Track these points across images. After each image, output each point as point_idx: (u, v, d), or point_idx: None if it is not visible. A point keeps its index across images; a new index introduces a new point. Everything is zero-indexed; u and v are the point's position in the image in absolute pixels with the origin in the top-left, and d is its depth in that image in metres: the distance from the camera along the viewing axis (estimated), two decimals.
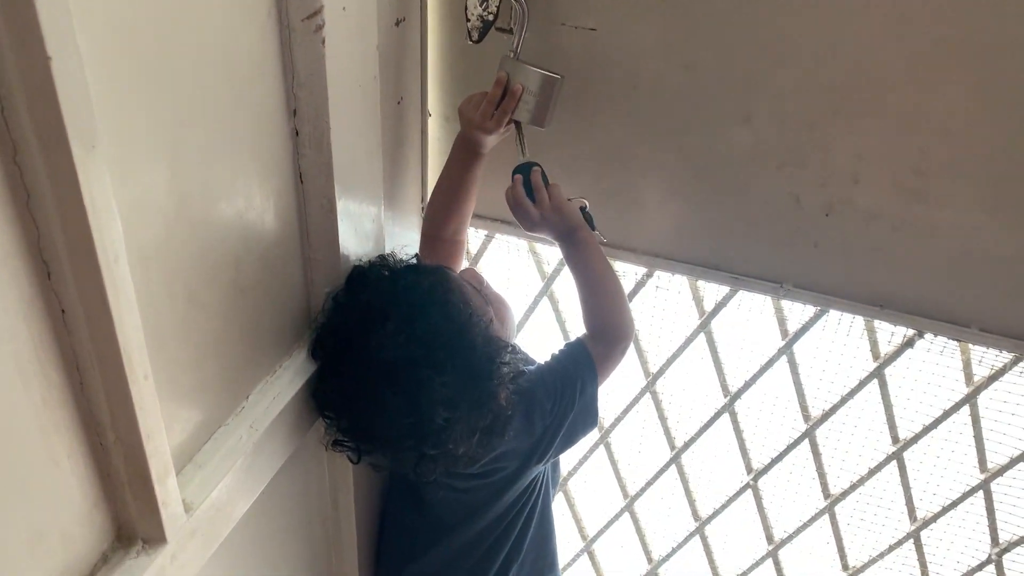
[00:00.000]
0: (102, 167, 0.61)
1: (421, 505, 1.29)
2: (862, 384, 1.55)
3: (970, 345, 1.42)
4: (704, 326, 1.56)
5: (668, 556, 2.02)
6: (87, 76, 0.57)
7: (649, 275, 1.51)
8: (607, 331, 1.26)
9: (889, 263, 1.30)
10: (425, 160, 1.46)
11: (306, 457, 1.16)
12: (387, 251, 1.14)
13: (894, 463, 1.66)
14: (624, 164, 1.37)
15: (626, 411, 1.76)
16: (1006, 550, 1.71)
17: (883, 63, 1.15)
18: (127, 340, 0.68)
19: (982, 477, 1.61)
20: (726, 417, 1.69)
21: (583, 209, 1.29)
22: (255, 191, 0.91)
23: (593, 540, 2.04)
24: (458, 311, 1.03)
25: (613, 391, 1.72)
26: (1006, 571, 1.75)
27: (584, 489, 1.99)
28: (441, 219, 1.35)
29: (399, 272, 1.08)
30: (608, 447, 1.84)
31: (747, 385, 1.63)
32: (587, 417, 1.24)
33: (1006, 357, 1.40)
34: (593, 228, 1.29)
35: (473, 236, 1.58)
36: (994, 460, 1.59)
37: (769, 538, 1.91)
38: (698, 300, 1.54)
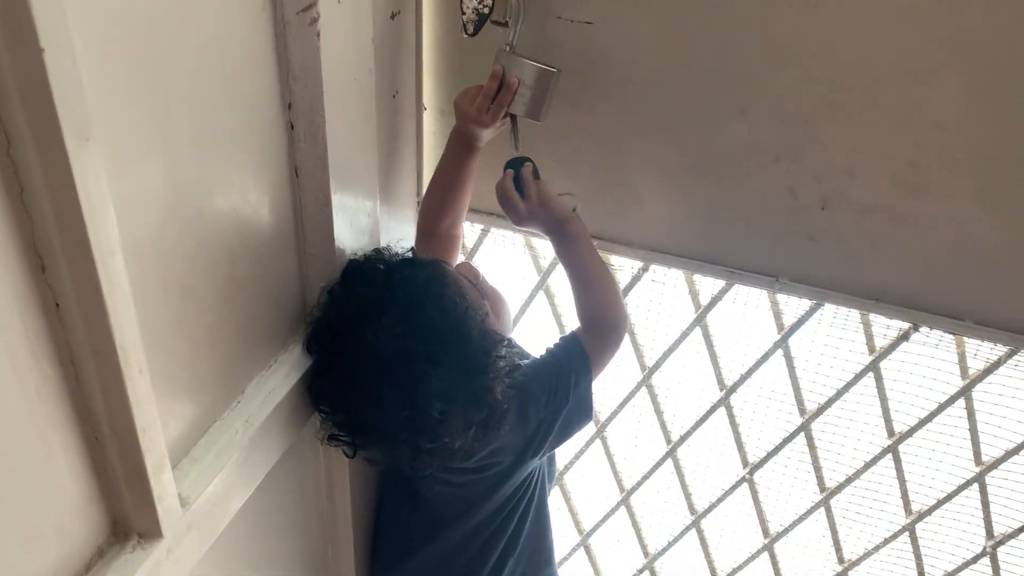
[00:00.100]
0: (96, 160, 0.61)
1: (417, 500, 1.29)
2: (858, 377, 1.55)
3: (965, 338, 1.42)
4: (700, 320, 1.56)
5: (664, 550, 2.02)
6: (81, 69, 0.57)
7: (645, 269, 1.50)
8: (600, 324, 1.26)
9: (884, 256, 1.30)
10: (421, 154, 1.46)
11: (302, 452, 1.16)
12: (382, 245, 1.14)
13: (889, 456, 1.66)
14: (620, 158, 1.36)
15: (622, 405, 1.76)
16: (1001, 543, 1.72)
17: (878, 57, 1.15)
18: (122, 334, 0.68)
19: (977, 470, 1.62)
20: (722, 411, 1.69)
21: (572, 210, 1.30)
22: (250, 185, 0.91)
23: (589, 534, 2.05)
24: (454, 305, 1.02)
25: (609, 385, 1.72)
26: (1001, 563, 1.76)
27: (580, 483, 1.99)
28: (436, 213, 1.35)
29: (395, 266, 1.08)
30: (604, 441, 1.84)
31: (743, 379, 1.63)
32: (582, 411, 1.24)
33: (1001, 350, 1.40)
34: None
35: (469, 230, 1.58)
36: (989, 453, 1.60)
37: (765, 531, 1.91)
38: (694, 294, 1.54)
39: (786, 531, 1.88)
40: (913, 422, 1.59)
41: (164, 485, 0.79)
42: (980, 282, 1.29)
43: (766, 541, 1.92)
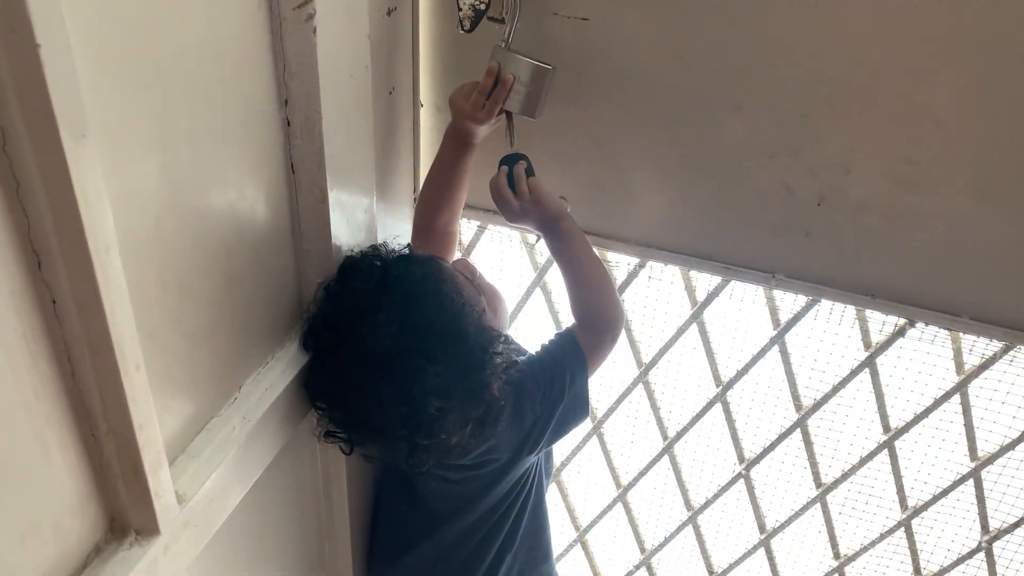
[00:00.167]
0: (93, 157, 0.60)
1: (414, 496, 1.29)
2: (853, 373, 1.55)
3: (961, 334, 1.42)
4: (696, 316, 1.56)
5: (661, 546, 2.03)
6: (77, 65, 0.57)
7: (641, 265, 1.51)
8: (595, 321, 1.26)
9: (880, 252, 1.31)
10: (417, 150, 1.46)
11: (299, 448, 1.16)
12: (379, 241, 1.14)
13: (885, 452, 1.66)
14: (616, 154, 1.37)
15: (619, 401, 1.76)
16: (996, 538, 1.72)
17: (876, 54, 1.15)
18: (119, 330, 0.68)
19: (972, 465, 1.62)
20: (718, 407, 1.70)
21: None
22: (246, 181, 0.91)
23: (586, 530, 2.05)
24: (451, 301, 1.03)
25: (605, 382, 1.72)
26: (996, 558, 1.77)
27: (577, 480, 2.00)
28: (433, 210, 1.34)
29: (391, 262, 1.08)
30: (601, 437, 1.85)
31: (739, 375, 1.63)
32: (577, 407, 1.24)
33: (996, 346, 1.41)
34: None
35: (465, 227, 1.58)
36: (984, 448, 1.60)
37: (761, 527, 1.92)
38: (690, 290, 1.55)
39: (782, 527, 1.89)
40: (909, 418, 1.60)
41: (161, 482, 0.79)
42: (976, 278, 1.29)
43: (762, 537, 1.93)
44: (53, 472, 0.71)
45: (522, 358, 1.24)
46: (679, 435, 1.78)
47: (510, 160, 1.28)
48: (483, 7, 1.22)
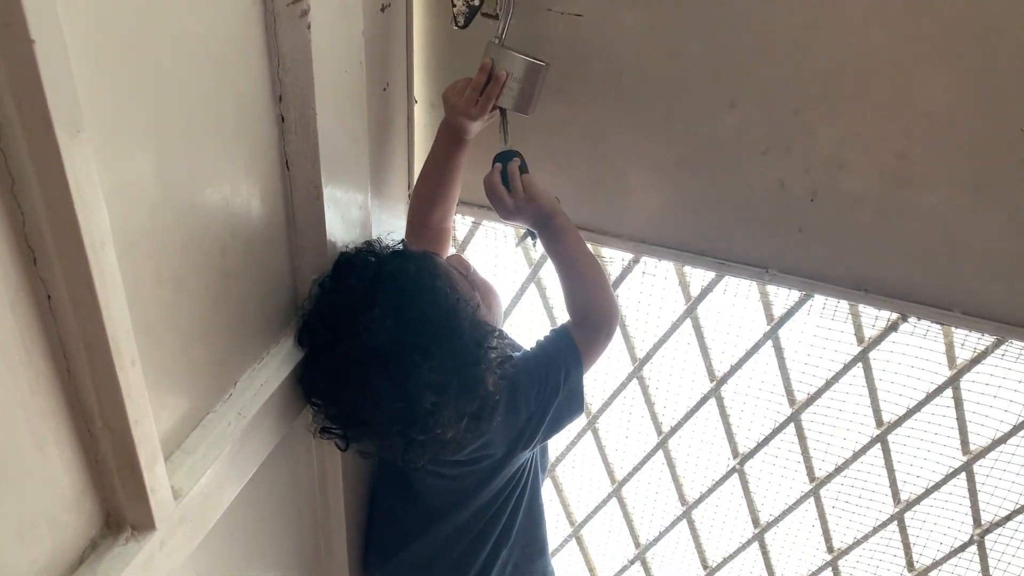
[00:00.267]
0: (87, 152, 0.61)
1: (410, 492, 1.30)
2: (846, 368, 1.56)
3: (953, 328, 1.43)
4: (690, 311, 1.57)
5: (655, 540, 2.03)
6: (71, 61, 0.57)
7: (635, 261, 1.51)
8: (590, 317, 1.27)
9: (873, 247, 1.31)
10: (411, 146, 1.46)
11: (294, 444, 1.16)
12: (374, 237, 1.14)
13: (878, 446, 1.67)
14: (610, 151, 1.37)
15: (613, 396, 1.77)
16: (988, 531, 1.73)
17: (866, 48, 1.16)
18: (114, 326, 0.68)
19: (964, 459, 1.63)
20: (712, 402, 1.70)
21: None
22: (241, 177, 0.91)
23: (581, 525, 2.06)
24: (445, 296, 1.03)
25: (600, 377, 1.73)
26: (988, 551, 1.78)
27: (572, 475, 2.00)
28: (427, 206, 1.35)
29: (386, 258, 1.08)
30: (595, 432, 1.85)
31: (733, 370, 1.64)
32: (572, 403, 1.24)
33: (988, 340, 1.41)
34: None
35: (460, 223, 1.58)
36: (976, 442, 1.61)
37: (755, 521, 1.92)
38: (684, 285, 1.55)
39: (776, 521, 1.90)
40: (901, 412, 1.61)
41: (157, 477, 0.79)
42: (968, 272, 1.30)
43: (756, 531, 1.93)
44: (49, 468, 0.71)
45: (517, 354, 1.24)
46: (673, 430, 1.78)
47: (504, 157, 1.28)
48: (477, 3, 1.22)
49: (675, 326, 1.60)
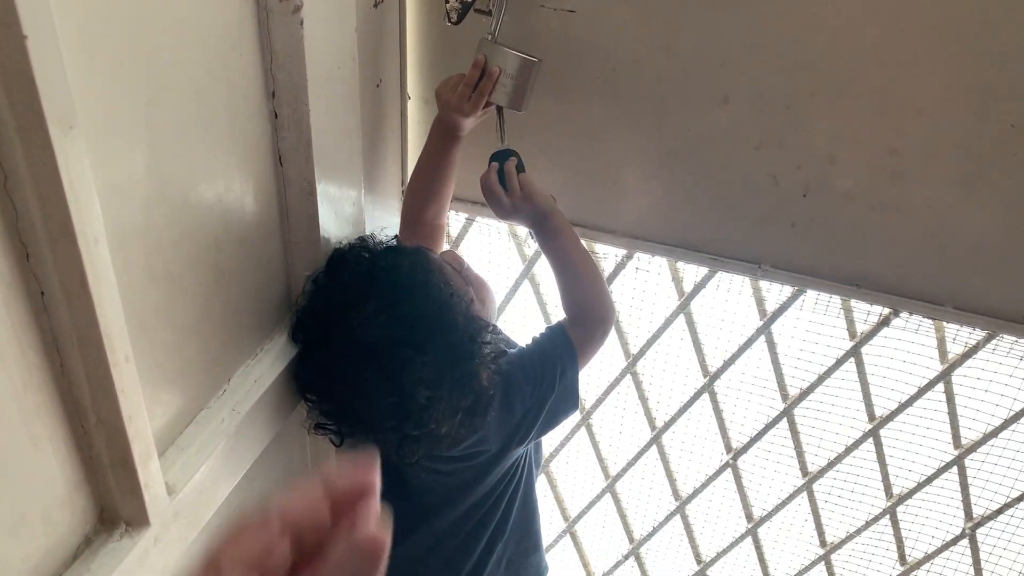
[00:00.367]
0: (80, 148, 0.61)
1: (404, 488, 1.30)
2: (839, 363, 1.57)
3: (944, 323, 1.44)
4: (683, 307, 1.57)
5: (649, 535, 2.04)
6: (64, 56, 0.57)
7: (629, 257, 1.51)
8: (586, 316, 1.27)
9: (865, 242, 1.32)
10: (405, 143, 1.46)
11: (288, 440, 1.17)
12: (367, 233, 1.14)
13: (870, 440, 1.68)
14: (603, 146, 1.37)
15: (607, 392, 1.77)
16: (979, 524, 1.74)
17: (858, 43, 1.16)
18: (107, 322, 0.68)
19: (956, 453, 1.64)
20: (705, 397, 1.71)
21: None
22: (234, 173, 0.91)
23: (575, 521, 2.06)
24: (439, 291, 1.03)
25: (594, 373, 1.73)
26: (980, 545, 1.79)
27: (566, 470, 2.01)
28: (420, 203, 1.35)
29: (379, 254, 1.08)
30: (589, 428, 1.86)
31: (726, 365, 1.64)
32: (567, 400, 1.25)
33: (979, 335, 1.42)
34: None
35: (454, 219, 1.58)
36: (967, 436, 1.62)
37: (748, 516, 1.93)
38: (677, 281, 1.55)
39: (769, 515, 1.90)
40: (893, 406, 1.61)
41: (151, 473, 0.79)
42: (959, 267, 1.30)
43: (749, 525, 1.94)
44: (42, 464, 0.71)
45: (513, 351, 1.24)
46: (667, 425, 1.79)
47: (501, 156, 1.28)
48: None
49: (668, 322, 1.61)
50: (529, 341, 1.28)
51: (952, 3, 1.10)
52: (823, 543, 1.93)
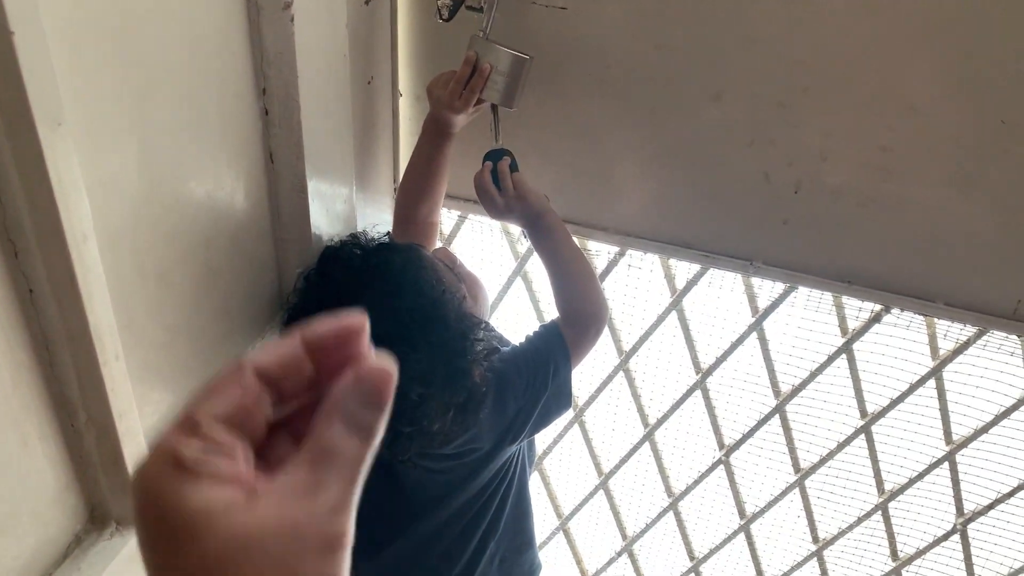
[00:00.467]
0: (68, 145, 0.60)
1: (397, 486, 1.30)
2: (831, 359, 1.57)
3: (935, 320, 1.44)
4: (676, 304, 1.57)
5: (642, 532, 2.04)
6: (52, 53, 0.57)
7: (621, 254, 1.51)
8: (579, 315, 1.27)
9: (856, 239, 1.32)
10: (397, 140, 1.46)
11: None
12: (358, 230, 1.14)
13: (862, 436, 1.69)
14: (595, 143, 1.37)
15: (600, 389, 1.77)
16: (970, 520, 1.75)
17: (850, 41, 1.16)
18: (97, 320, 0.68)
19: (947, 449, 1.65)
20: (698, 394, 1.71)
21: None
22: (225, 171, 0.91)
23: (568, 518, 2.06)
24: (431, 288, 1.03)
25: (586, 370, 1.73)
26: (971, 540, 1.80)
27: (559, 467, 2.01)
28: (413, 200, 1.34)
29: (371, 250, 1.08)
30: (582, 425, 1.86)
31: (718, 362, 1.65)
32: (560, 399, 1.25)
33: (970, 331, 1.43)
34: None
35: (446, 217, 1.58)
36: (959, 432, 1.63)
37: (741, 512, 1.94)
38: (670, 278, 1.56)
39: (762, 512, 1.91)
40: (885, 402, 1.62)
41: None
42: (950, 264, 1.31)
43: (742, 522, 1.95)
44: (32, 462, 0.71)
45: (506, 349, 1.24)
46: (659, 422, 1.79)
47: (494, 155, 1.28)
48: None
49: (661, 318, 1.61)
50: (522, 339, 1.28)
51: (943, 0, 1.10)
52: (815, 539, 1.94)
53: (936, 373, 1.53)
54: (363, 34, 1.24)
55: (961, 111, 1.17)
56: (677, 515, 1.98)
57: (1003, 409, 1.55)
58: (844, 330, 1.53)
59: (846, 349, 1.55)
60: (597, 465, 1.93)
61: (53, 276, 0.64)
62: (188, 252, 0.86)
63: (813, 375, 1.61)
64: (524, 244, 1.59)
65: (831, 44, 1.17)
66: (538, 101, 1.32)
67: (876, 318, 1.46)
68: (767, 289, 1.50)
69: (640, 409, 1.79)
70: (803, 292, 1.45)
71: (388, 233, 1.15)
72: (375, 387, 0.35)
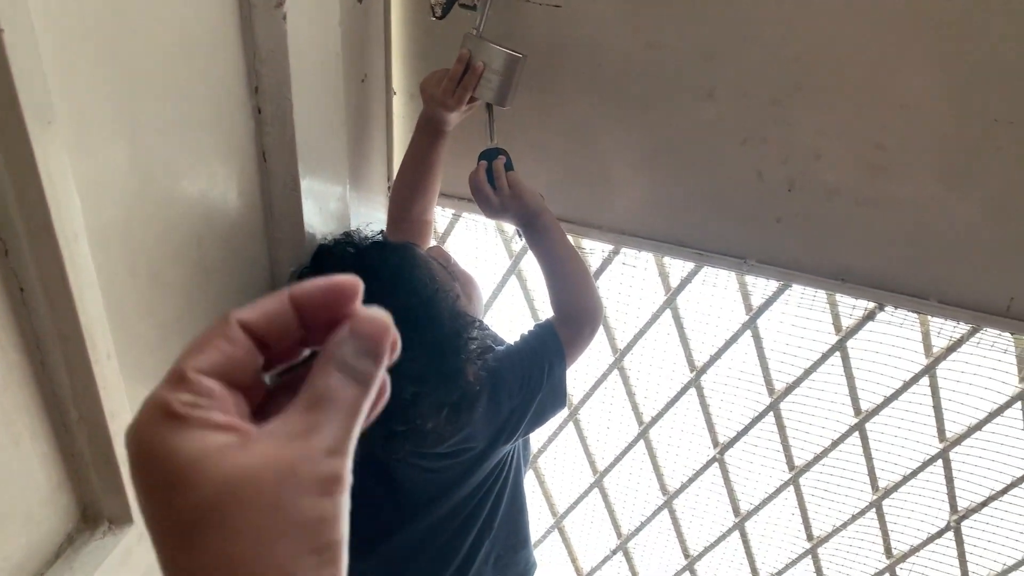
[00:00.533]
0: (59, 144, 0.60)
1: (392, 485, 1.29)
2: (825, 357, 1.57)
3: (929, 317, 1.45)
4: (670, 302, 1.58)
5: (637, 530, 2.05)
6: (42, 50, 0.57)
7: (616, 252, 1.52)
8: (574, 314, 1.27)
9: (850, 237, 1.32)
10: (390, 138, 1.46)
11: None
12: (352, 229, 1.14)
13: (856, 434, 1.69)
14: (589, 141, 1.37)
15: (594, 387, 1.77)
16: (964, 517, 1.76)
17: (843, 38, 1.16)
18: (89, 319, 0.67)
19: (941, 446, 1.65)
20: (692, 392, 1.71)
21: None
22: (217, 169, 0.91)
23: (563, 516, 2.07)
24: (424, 286, 1.03)
25: (581, 368, 1.73)
26: (964, 537, 1.80)
27: (553, 466, 2.01)
28: (407, 199, 1.34)
29: (365, 249, 1.07)
30: (577, 423, 1.86)
31: (712, 360, 1.65)
32: (555, 398, 1.25)
33: (963, 328, 1.43)
34: None
35: (440, 215, 1.58)
36: (952, 429, 1.63)
37: (735, 510, 1.94)
38: (664, 276, 1.56)
39: (756, 509, 1.91)
40: (879, 400, 1.62)
41: None
42: (944, 262, 1.31)
43: (737, 520, 1.95)
44: (24, 461, 0.71)
45: (500, 348, 1.24)
46: (654, 420, 1.79)
47: (489, 155, 1.28)
48: None
49: (655, 317, 1.61)
50: (517, 338, 1.27)
51: None
52: (810, 537, 1.94)
53: (930, 371, 1.53)
54: (356, 32, 1.24)
55: (954, 109, 1.17)
56: (672, 513, 1.99)
57: (996, 406, 1.55)
58: (838, 328, 1.53)
59: (840, 347, 1.55)
60: (592, 463, 1.94)
61: (44, 275, 0.64)
62: (180, 251, 0.86)
63: (807, 373, 1.61)
64: (518, 243, 1.59)
65: (824, 42, 1.17)
66: (532, 99, 1.32)
67: (870, 316, 1.47)
68: (761, 287, 1.50)
69: (634, 407, 1.79)
70: (797, 290, 1.46)
71: (382, 231, 1.15)
72: (371, 337, 0.35)
